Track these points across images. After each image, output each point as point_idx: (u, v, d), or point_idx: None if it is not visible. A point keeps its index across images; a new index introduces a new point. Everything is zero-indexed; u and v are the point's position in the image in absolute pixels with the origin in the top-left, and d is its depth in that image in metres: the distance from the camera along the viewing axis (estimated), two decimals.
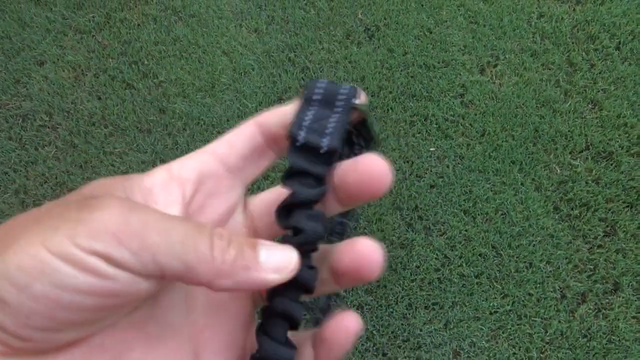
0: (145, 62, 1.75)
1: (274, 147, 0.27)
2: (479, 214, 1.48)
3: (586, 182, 1.51)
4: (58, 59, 1.77)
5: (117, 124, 1.65)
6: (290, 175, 0.23)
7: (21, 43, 1.79)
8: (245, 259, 0.22)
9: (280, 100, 1.67)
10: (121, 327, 0.24)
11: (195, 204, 0.26)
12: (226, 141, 0.27)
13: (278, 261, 0.23)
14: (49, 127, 1.66)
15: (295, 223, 0.23)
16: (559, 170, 1.53)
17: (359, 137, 0.26)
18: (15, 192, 1.55)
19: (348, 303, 1.39)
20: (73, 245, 0.20)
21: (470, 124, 1.60)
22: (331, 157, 0.23)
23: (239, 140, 0.27)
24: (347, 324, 0.26)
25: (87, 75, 1.74)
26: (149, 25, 1.83)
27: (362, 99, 0.24)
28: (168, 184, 0.25)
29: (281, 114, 0.26)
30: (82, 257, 0.20)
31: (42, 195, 1.54)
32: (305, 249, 0.24)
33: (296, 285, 0.24)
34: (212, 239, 0.22)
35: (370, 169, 0.24)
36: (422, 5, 1.81)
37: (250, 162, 0.27)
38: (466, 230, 1.46)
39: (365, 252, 0.25)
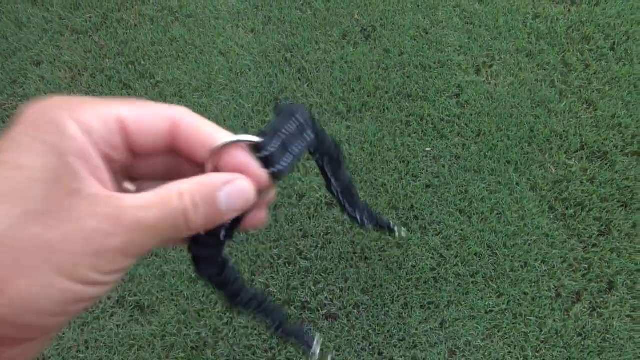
0: (142, 63, 1.76)
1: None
2: (474, 214, 1.48)
3: (581, 182, 1.52)
4: (55, 59, 1.77)
5: None
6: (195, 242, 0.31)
7: (18, 43, 1.80)
8: (211, 215, 0.27)
9: (276, 100, 1.68)
10: None
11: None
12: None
13: (237, 202, 0.28)
14: None
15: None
16: (554, 170, 1.54)
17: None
18: None
19: (344, 302, 1.40)
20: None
21: (466, 124, 1.60)
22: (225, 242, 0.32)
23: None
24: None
25: (83, 75, 1.74)
26: (146, 25, 1.83)
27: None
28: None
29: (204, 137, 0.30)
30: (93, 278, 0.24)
31: None
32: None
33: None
34: (185, 215, 0.26)
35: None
36: (418, 6, 1.81)
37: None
38: (462, 230, 1.46)
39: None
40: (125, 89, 1.71)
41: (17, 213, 0.22)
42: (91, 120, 0.25)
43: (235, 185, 0.28)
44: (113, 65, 1.76)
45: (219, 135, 0.29)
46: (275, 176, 0.29)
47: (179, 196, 0.26)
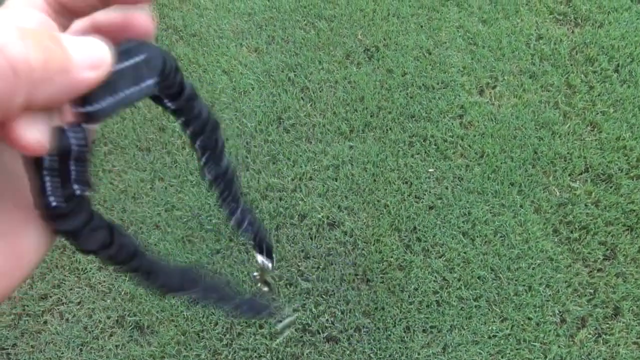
0: None
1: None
2: (477, 236, 1.47)
3: (585, 205, 1.50)
4: None
5: (117, 142, 1.65)
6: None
7: None
8: (57, 60, 0.19)
9: (279, 119, 1.68)
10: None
11: None
12: None
13: (92, 57, 0.21)
14: None
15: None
16: (558, 193, 1.52)
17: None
18: None
19: (345, 325, 1.38)
20: None
21: (469, 145, 1.60)
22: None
23: None
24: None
25: None
26: None
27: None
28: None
29: None
30: None
31: None
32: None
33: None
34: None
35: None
36: (422, 27, 1.82)
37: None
38: (465, 253, 1.45)
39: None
40: (128, 107, 1.72)
41: None
42: None
43: (89, 39, 0.22)
44: None
45: None
46: (88, 117, 0.23)
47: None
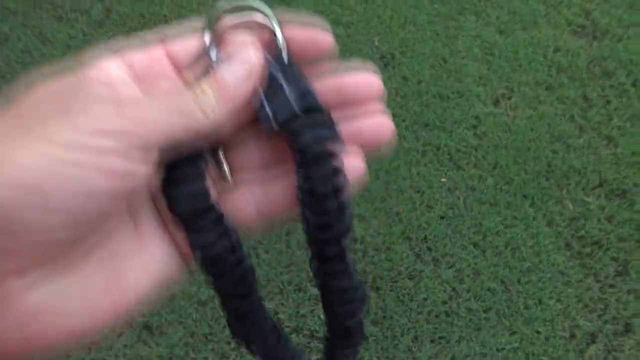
0: None
1: None
2: (488, 248, 1.46)
3: (599, 220, 1.49)
4: None
5: None
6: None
7: (41, 58, 1.82)
8: (222, 94, 0.24)
9: None
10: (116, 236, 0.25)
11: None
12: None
13: (239, 69, 0.24)
14: None
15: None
16: (571, 207, 1.52)
17: None
18: None
19: None
20: (84, 134, 0.21)
21: (483, 156, 1.59)
22: None
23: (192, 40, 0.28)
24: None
25: None
26: None
27: None
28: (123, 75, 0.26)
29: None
30: (96, 143, 0.21)
31: None
32: None
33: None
34: (195, 96, 0.24)
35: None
36: (438, 35, 1.82)
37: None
38: (475, 264, 1.44)
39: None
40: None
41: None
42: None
43: (233, 56, 0.25)
44: None
45: None
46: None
47: (187, 87, 0.25)
